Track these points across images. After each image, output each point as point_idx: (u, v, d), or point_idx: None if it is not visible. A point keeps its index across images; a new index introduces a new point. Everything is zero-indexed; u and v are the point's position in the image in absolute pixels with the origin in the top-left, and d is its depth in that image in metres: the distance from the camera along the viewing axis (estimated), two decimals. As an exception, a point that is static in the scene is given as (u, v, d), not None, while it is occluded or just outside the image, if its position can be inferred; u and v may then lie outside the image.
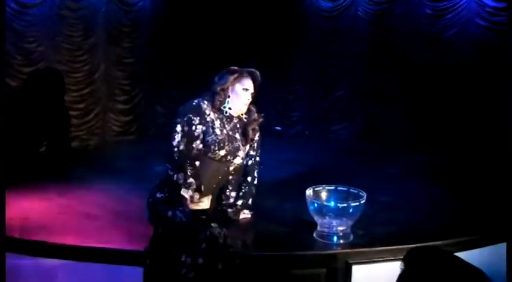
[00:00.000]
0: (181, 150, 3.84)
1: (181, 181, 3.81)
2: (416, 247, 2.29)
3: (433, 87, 7.82)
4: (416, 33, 8.02)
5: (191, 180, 3.83)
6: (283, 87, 8.97)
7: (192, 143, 3.89)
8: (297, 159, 6.78)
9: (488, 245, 4.19)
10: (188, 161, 3.88)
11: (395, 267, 3.76)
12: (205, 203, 3.89)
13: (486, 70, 7.34)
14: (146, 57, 8.18)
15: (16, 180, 5.41)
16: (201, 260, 3.27)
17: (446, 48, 7.82)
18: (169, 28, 8.22)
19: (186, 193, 3.78)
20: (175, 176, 3.83)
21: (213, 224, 3.47)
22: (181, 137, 3.85)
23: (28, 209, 4.68)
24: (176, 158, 3.84)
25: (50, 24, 7.22)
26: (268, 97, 8.92)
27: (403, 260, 2.24)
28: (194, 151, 3.90)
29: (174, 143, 3.85)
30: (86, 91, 7.65)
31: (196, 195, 3.86)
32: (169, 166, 3.90)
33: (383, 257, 3.92)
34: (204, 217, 3.61)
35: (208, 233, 3.37)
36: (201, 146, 3.92)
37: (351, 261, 3.86)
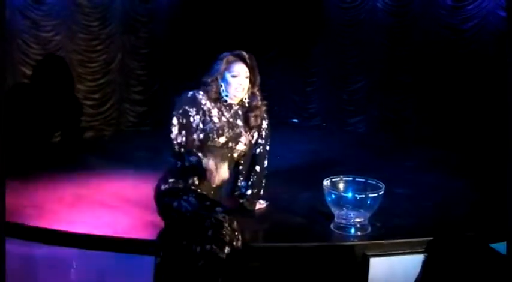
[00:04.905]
0: (180, 142, 3.79)
1: (194, 162, 3.71)
2: (440, 235, 2.23)
3: (452, 79, 7.70)
4: (435, 25, 7.90)
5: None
6: (301, 78, 8.93)
7: (193, 135, 3.84)
8: (314, 151, 6.72)
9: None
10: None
11: (413, 259, 3.74)
12: (224, 170, 3.76)
13: (507, 62, 7.20)
14: (163, 47, 8.13)
15: (30, 170, 5.46)
16: (208, 247, 3.25)
17: (466, 40, 7.68)
18: (187, 18, 8.18)
19: (211, 164, 3.68)
20: (186, 162, 3.75)
21: (217, 209, 3.45)
22: (179, 129, 3.80)
23: (42, 198, 4.67)
24: (177, 149, 3.79)
25: (67, 13, 7.20)
26: (285, 89, 8.92)
27: (426, 248, 2.18)
28: (196, 142, 3.86)
29: (172, 136, 3.80)
30: (101, 81, 7.64)
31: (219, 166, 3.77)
32: (174, 158, 3.85)
33: (401, 250, 3.88)
34: (208, 203, 3.57)
35: (213, 218, 3.35)
36: (202, 136, 3.87)
37: (368, 254, 3.82)
